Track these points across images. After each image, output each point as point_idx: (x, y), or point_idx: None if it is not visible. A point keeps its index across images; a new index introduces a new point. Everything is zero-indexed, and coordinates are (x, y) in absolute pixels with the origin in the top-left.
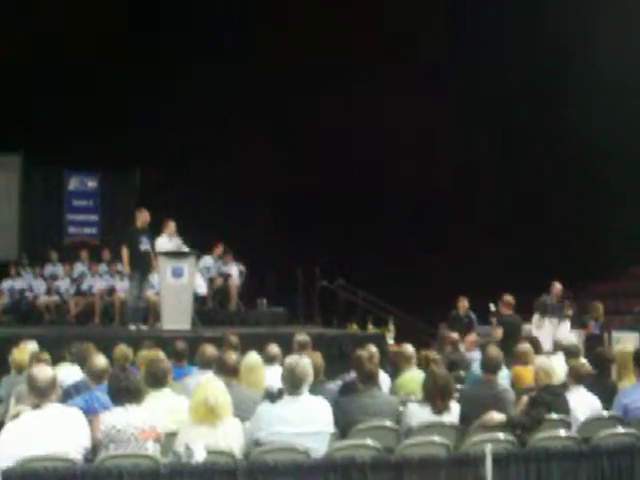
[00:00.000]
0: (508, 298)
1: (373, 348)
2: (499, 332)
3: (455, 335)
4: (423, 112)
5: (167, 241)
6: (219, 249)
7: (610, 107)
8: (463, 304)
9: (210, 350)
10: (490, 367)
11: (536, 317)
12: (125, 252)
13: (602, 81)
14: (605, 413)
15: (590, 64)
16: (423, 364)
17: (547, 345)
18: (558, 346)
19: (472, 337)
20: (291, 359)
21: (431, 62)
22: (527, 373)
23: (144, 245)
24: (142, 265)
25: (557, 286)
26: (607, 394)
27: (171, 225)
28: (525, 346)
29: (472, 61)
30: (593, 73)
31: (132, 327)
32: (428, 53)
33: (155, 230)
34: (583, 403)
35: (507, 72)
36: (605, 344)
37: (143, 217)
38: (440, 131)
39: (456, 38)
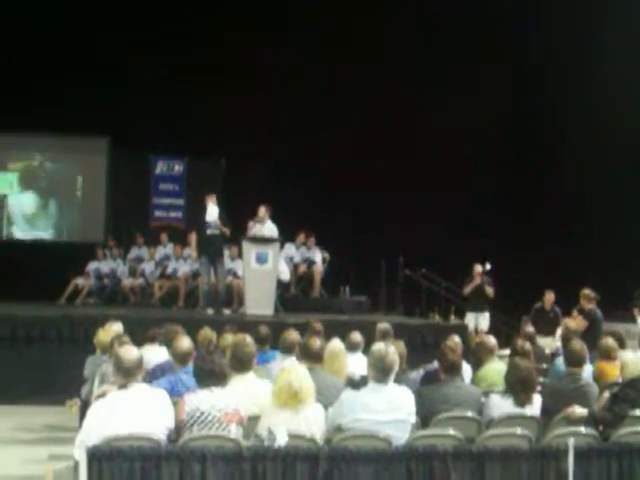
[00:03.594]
0: (587, 292)
1: (457, 338)
2: (581, 323)
3: (531, 329)
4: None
5: (253, 226)
6: (302, 236)
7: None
8: (549, 298)
9: (294, 335)
10: (574, 360)
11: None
12: (194, 237)
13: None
14: None
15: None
16: (519, 353)
17: None
18: None
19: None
20: (380, 347)
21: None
22: (611, 368)
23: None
24: (209, 250)
25: None
26: None
27: (261, 210)
28: (609, 341)
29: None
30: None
31: (209, 311)
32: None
33: (243, 217)
34: None
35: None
36: None
37: (212, 201)
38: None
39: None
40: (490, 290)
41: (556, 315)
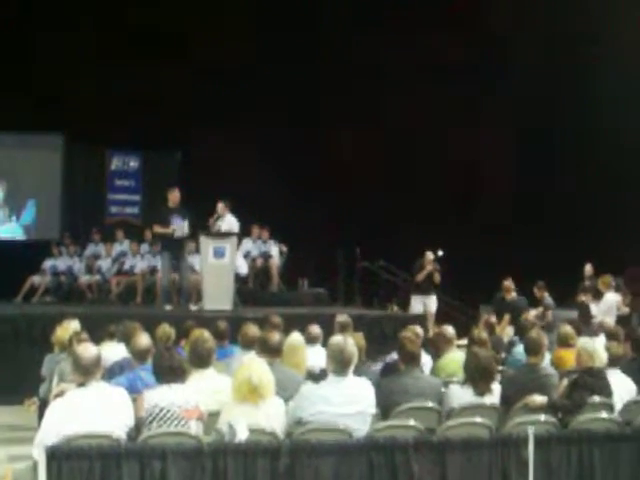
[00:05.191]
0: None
1: (417, 329)
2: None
3: (493, 318)
4: None
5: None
6: (256, 230)
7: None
8: (508, 286)
9: (253, 330)
10: (533, 350)
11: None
12: (155, 232)
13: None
14: None
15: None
16: (476, 343)
17: None
18: (600, 328)
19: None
20: (338, 340)
21: None
22: (569, 356)
23: (175, 225)
24: (171, 246)
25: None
26: None
27: (219, 206)
28: (567, 328)
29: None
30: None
31: (168, 307)
32: None
33: (200, 211)
34: (620, 386)
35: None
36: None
37: (174, 197)
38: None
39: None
40: (438, 277)
41: (515, 303)
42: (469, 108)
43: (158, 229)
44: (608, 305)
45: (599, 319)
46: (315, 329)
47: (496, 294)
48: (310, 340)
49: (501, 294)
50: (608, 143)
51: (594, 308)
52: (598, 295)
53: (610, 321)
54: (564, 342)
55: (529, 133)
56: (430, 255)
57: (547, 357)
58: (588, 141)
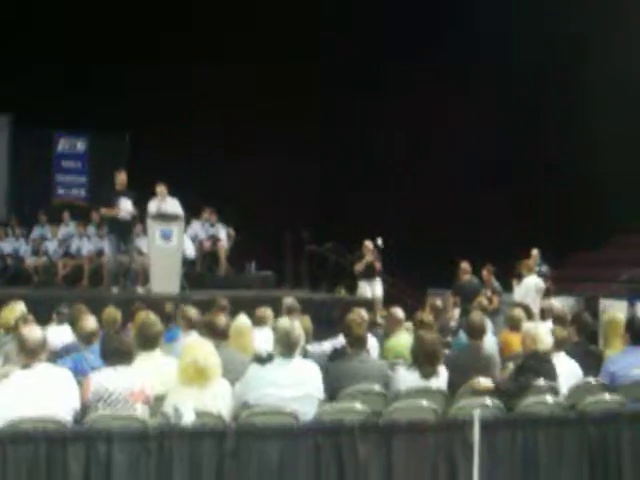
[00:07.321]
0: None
1: (363, 312)
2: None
3: (439, 302)
4: None
5: (155, 204)
6: (206, 213)
7: None
8: (464, 268)
9: (192, 312)
10: (473, 332)
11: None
12: (102, 214)
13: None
14: (591, 380)
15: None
16: (421, 326)
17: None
18: (548, 313)
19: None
20: (285, 322)
21: None
22: (516, 340)
23: (123, 207)
24: (118, 228)
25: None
26: (588, 361)
27: (158, 189)
28: (516, 311)
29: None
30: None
31: (115, 290)
32: None
33: (147, 193)
34: (565, 369)
35: None
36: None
37: (120, 179)
38: None
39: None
40: (379, 265)
41: (473, 286)
42: None
43: (104, 211)
44: (526, 288)
45: (545, 304)
46: (263, 311)
47: (456, 278)
48: (258, 322)
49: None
50: None
51: (516, 290)
52: (520, 278)
53: (530, 303)
54: (513, 326)
55: None
56: (369, 244)
57: (492, 340)
58: None
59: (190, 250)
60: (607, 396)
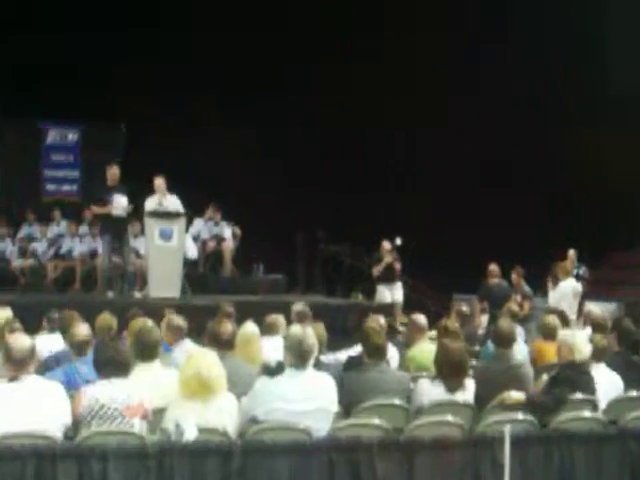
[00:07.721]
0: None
1: (381, 319)
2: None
3: (465, 307)
4: None
5: (155, 200)
6: (210, 211)
7: None
8: (493, 270)
9: (178, 320)
10: (501, 340)
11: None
12: (94, 212)
13: None
14: (633, 393)
15: None
16: (445, 334)
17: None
18: (586, 320)
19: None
20: (297, 330)
21: None
22: (550, 349)
23: (115, 204)
24: (113, 227)
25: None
26: (630, 372)
27: (156, 182)
28: (551, 319)
29: None
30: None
31: (110, 294)
32: None
33: (145, 190)
34: (604, 382)
35: None
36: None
37: (112, 173)
38: None
39: None
40: (399, 266)
41: (502, 290)
42: None
43: (96, 209)
44: (562, 293)
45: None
46: (274, 318)
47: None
48: (268, 330)
49: (487, 279)
50: None
51: (550, 295)
52: (555, 282)
53: (566, 308)
54: (547, 334)
55: None
56: (387, 245)
57: (523, 349)
58: None
59: (192, 251)
60: None
